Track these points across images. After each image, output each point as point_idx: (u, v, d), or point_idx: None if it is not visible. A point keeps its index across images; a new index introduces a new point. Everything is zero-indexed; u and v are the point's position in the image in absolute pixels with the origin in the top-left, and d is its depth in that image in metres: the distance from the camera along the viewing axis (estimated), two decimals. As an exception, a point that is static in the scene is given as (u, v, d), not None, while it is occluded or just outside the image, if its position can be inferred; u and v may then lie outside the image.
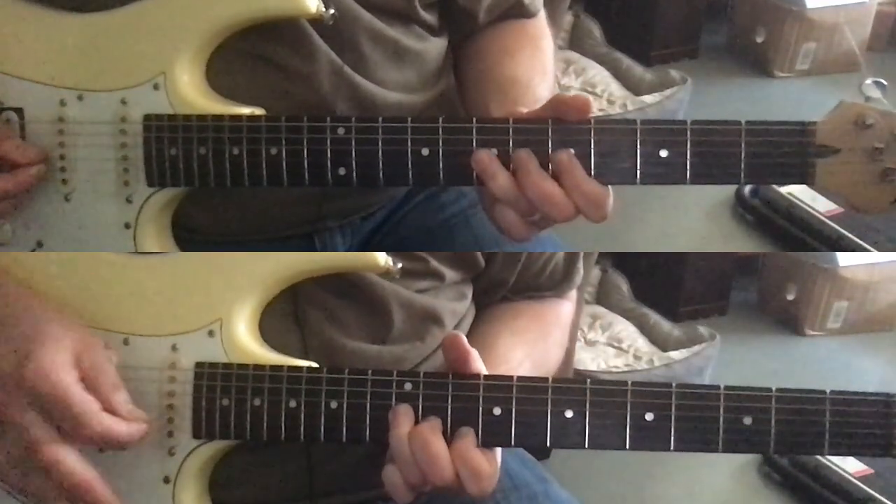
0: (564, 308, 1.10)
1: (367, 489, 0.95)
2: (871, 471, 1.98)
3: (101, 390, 0.80)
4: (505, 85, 1.00)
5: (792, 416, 0.81)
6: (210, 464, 0.86)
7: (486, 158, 0.84)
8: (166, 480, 0.85)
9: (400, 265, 0.88)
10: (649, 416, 0.82)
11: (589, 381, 0.82)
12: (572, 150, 0.83)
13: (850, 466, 2.00)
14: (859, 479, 1.96)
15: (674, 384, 0.81)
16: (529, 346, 1.00)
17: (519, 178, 0.83)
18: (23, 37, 0.89)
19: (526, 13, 1.07)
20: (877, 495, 1.92)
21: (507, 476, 0.99)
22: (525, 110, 0.88)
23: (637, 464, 2.01)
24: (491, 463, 0.82)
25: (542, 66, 1.05)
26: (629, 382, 0.82)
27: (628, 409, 0.81)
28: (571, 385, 0.82)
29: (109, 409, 0.80)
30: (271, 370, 0.84)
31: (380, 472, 0.93)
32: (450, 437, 0.82)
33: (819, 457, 2.03)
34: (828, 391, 0.81)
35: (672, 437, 0.82)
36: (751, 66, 2.82)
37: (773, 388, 0.81)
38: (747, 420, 0.80)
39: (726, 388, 0.81)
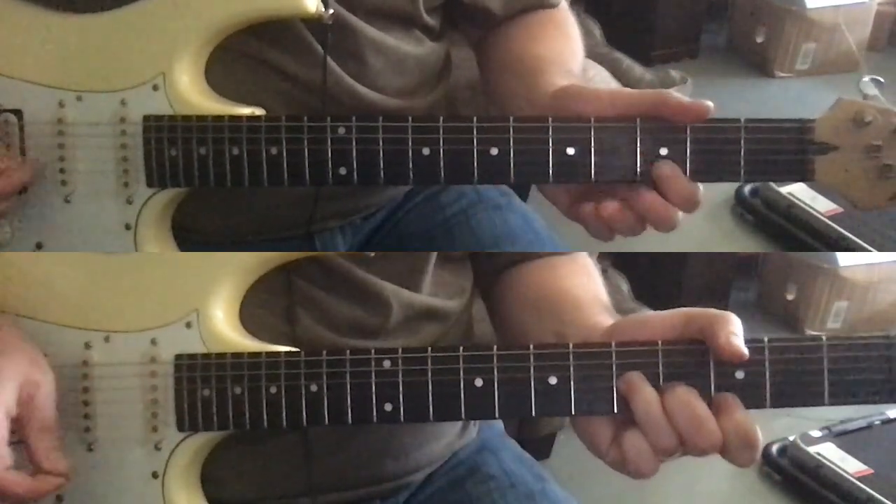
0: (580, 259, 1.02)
1: (366, 485, 0.95)
2: (871, 471, 1.98)
3: (28, 434, 0.79)
4: (532, 63, 0.96)
5: (787, 367, 0.78)
6: (199, 457, 0.86)
7: (636, 378, 0.78)
8: (155, 476, 0.85)
9: (331, 11, 0.87)
10: None
11: (572, 345, 0.80)
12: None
13: (850, 466, 2.00)
14: (859, 479, 1.96)
15: (660, 342, 0.79)
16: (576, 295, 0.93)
17: (666, 399, 0.77)
18: (21, 38, 0.89)
19: (547, 3, 1.06)
20: (877, 495, 1.92)
21: (504, 474, 1.00)
22: (567, 82, 0.86)
23: (637, 464, 2.00)
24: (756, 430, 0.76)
25: (571, 49, 1.02)
26: (613, 344, 0.79)
27: (614, 371, 0.79)
28: (554, 350, 0.80)
29: (32, 454, 0.79)
30: (249, 357, 0.83)
31: (378, 469, 0.94)
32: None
33: (819, 455, 2.04)
34: (824, 337, 0.78)
35: None
36: (751, 66, 2.83)
37: (766, 339, 0.78)
38: (739, 374, 0.78)
39: None
